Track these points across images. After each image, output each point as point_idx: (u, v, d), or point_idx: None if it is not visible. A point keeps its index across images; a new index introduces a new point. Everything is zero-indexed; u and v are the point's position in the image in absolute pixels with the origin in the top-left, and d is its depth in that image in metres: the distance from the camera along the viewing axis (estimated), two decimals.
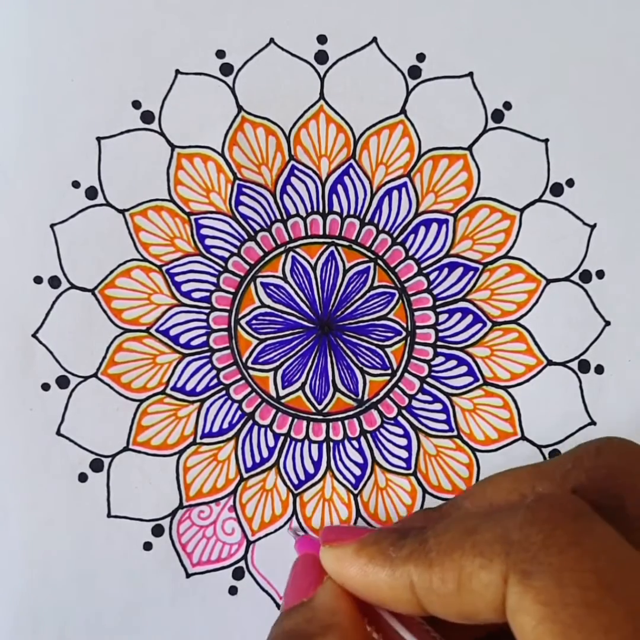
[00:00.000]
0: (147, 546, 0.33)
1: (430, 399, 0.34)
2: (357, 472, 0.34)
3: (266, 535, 0.34)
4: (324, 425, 0.34)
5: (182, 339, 0.34)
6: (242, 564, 0.34)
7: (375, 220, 0.34)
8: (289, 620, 0.25)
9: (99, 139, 0.33)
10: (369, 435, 0.34)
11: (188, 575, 0.33)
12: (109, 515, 0.33)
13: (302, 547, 0.30)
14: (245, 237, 0.34)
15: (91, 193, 0.33)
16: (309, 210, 0.34)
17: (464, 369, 0.34)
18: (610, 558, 0.19)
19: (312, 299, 0.34)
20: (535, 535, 0.20)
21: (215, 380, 0.34)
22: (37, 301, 0.33)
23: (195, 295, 0.34)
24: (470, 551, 0.21)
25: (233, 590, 0.34)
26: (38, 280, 0.33)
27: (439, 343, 0.34)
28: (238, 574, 0.34)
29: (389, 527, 0.25)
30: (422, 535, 0.23)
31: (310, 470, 0.34)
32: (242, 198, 0.34)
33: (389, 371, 0.34)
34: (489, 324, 0.34)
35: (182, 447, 0.34)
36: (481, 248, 0.34)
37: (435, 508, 0.26)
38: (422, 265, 0.34)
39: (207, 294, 0.34)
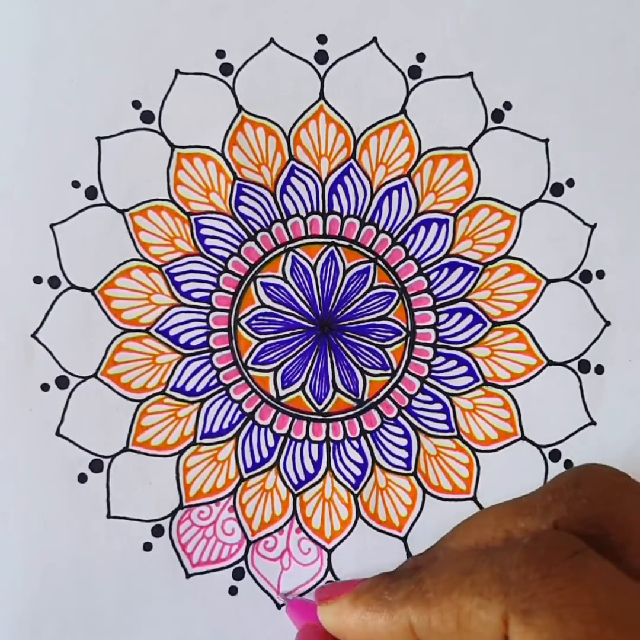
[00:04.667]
0: (147, 546, 0.33)
1: (430, 399, 0.34)
2: (357, 472, 0.34)
3: (266, 535, 0.34)
4: (324, 425, 0.34)
5: (182, 339, 0.34)
6: (242, 564, 0.34)
7: (375, 220, 0.34)
8: None
9: (99, 139, 0.33)
10: (369, 435, 0.34)
11: (188, 576, 0.33)
12: (108, 516, 0.33)
13: (295, 610, 0.30)
14: (245, 237, 0.34)
15: (91, 193, 0.33)
16: (309, 210, 0.34)
17: (464, 369, 0.34)
18: (608, 591, 0.19)
19: (312, 299, 0.34)
20: (533, 573, 0.20)
21: (215, 381, 0.34)
22: (36, 301, 0.33)
23: (195, 295, 0.34)
24: (469, 591, 0.21)
25: (233, 591, 0.33)
26: (38, 280, 0.33)
27: (439, 343, 0.34)
28: (238, 574, 0.34)
29: (380, 574, 0.25)
30: (416, 576, 0.23)
31: (310, 470, 0.34)
32: (242, 198, 0.34)
33: (389, 371, 0.34)
34: (489, 324, 0.34)
35: (182, 448, 0.34)
36: (481, 248, 0.34)
37: (421, 553, 0.26)
38: (422, 265, 0.34)
39: (207, 294, 0.34)
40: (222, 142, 0.34)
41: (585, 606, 0.19)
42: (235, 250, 0.34)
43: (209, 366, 0.34)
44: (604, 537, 0.22)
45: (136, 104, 0.34)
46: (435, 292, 0.34)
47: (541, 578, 0.20)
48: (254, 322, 0.34)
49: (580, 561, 0.20)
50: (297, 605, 0.31)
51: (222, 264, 0.34)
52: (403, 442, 0.34)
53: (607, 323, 0.34)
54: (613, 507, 0.23)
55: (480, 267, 0.34)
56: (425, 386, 0.34)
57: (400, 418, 0.34)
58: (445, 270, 0.34)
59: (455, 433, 0.34)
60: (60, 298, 0.33)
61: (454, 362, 0.34)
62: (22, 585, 0.33)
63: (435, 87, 0.34)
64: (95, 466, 0.33)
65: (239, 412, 0.34)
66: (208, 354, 0.34)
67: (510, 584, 0.20)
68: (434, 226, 0.34)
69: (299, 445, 0.34)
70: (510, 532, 0.23)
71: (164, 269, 0.34)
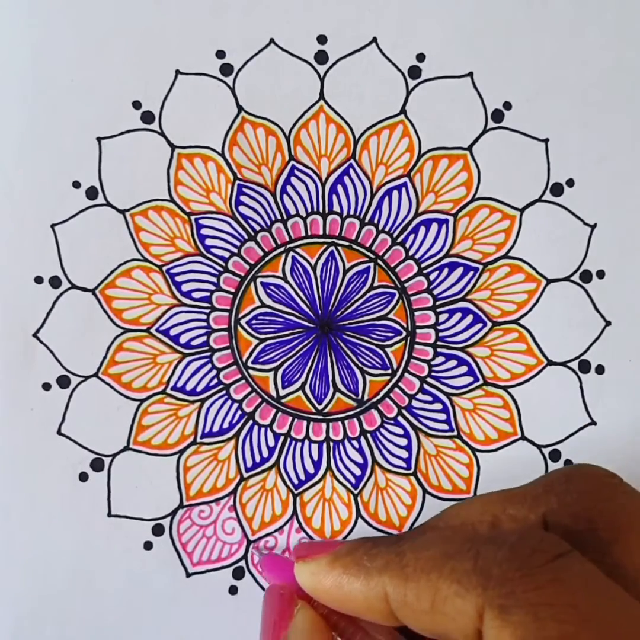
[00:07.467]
0: (148, 546, 0.33)
1: (430, 399, 0.34)
2: (357, 472, 0.34)
3: (266, 535, 0.34)
4: (324, 425, 0.34)
5: (183, 339, 0.34)
6: (242, 563, 0.34)
7: (375, 220, 0.34)
8: None
9: (99, 139, 0.33)
10: (369, 435, 0.34)
11: (188, 575, 0.33)
12: (109, 515, 0.33)
13: (268, 566, 0.30)
14: (245, 237, 0.34)
15: (91, 193, 0.33)
16: (309, 210, 0.34)
17: (464, 369, 0.34)
18: (588, 593, 0.19)
19: (312, 299, 0.34)
20: (514, 572, 0.20)
21: (215, 380, 0.34)
22: (37, 301, 0.33)
23: (196, 295, 0.34)
24: (448, 576, 0.21)
25: (233, 590, 0.34)
26: (39, 280, 0.33)
27: (439, 343, 0.34)
28: (238, 574, 0.34)
29: (362, 538, 0.25)
30: (397, 547, 0.23)
31: (311, 470, 0.34)
32: (242, 198, 0.34)
33: (389, 371, 0.34)
34: (489, 324, 0.34)
35: (183, 447, 0.34)
36: (481, 248, 0.34)
37: (409, 531, 0.26)
38: (422, 265, 0.34)
39: (207, 294, 0.34)
40: (222, 142, 0.34)
41: (562, 606, 0.19)
42: (235, 250, 0.34)
43: (209, 366, 0.34)
44: (592, 532, 0.22)
45: (136, 104, 0.34)
46: (435, 292, 0.34)
47: (521, 577, 0.20)
48: (254, 322, 0.34)
49: (563, 563, 0.20)
50: (272, 560, 0.31)
51: (222, 264, 0.34)
52: (403, 442, 0.34)
53: (607, 323, 0.34)
54: (603, 504, 0.23)
55: (480, 267, 0.34)
56: (425, 386, 0.34)
57: (400, 418, 0.34)
58: (445, 270, 0.34)
59: (455, 433, 0.34)
60: (61, 298, 0.33)
61: (454, 362, 0.34)
62: (23, 585, 0.33)
63: (435, 87, 0.34)
64: (96, 465, 0.33)
65: (239, 412, 0.34)
66: (208, 353, 0.34)
67: (490, 579, 0.20)
68: (434, 226, 0.34)
69: (299, 445, 0.34)
70: (497, 517, 0.24)
71: (164, 269, 0.34)
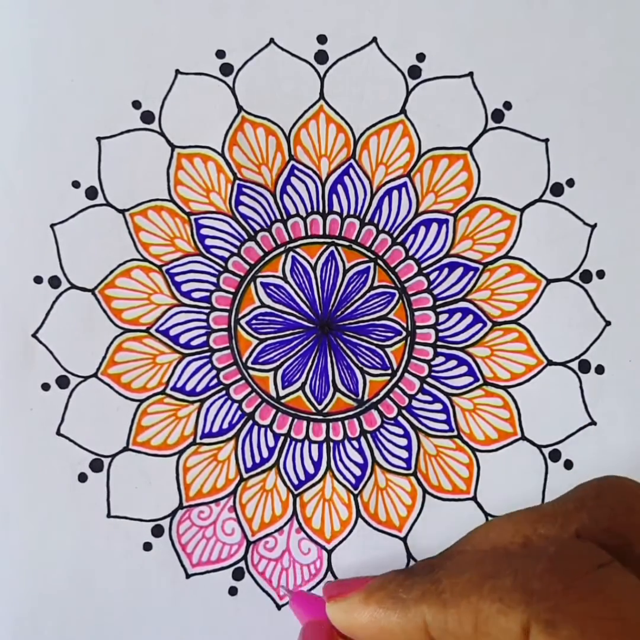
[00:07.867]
0: (147, 546, 0.33)
1: (430, 399, 0.34)
2: (357, 472, 0.34)
3: (266, 535, 0.34)
4: (324, 425, 0.34)
5: (182, 339, 0.34)
6: (242, 564, 0.34)
7: (375, 220, 0.34)
8: None
9: (99, 139, 0.33)
10: (369, 435, 0.34)
11: (188, 576, 0.33)
12: (108, 516, 0.33)
13: (300, 605, 0.30)
14: (245, 237, 0.34)
15: (91, 193, 0.33)
16: (309, 210, 0.34)
17: (464, 369, 0.34)
18: (632, 604, 0.19)
19: (312, 299, 0.34)
20: (557, 584, 0.20)
21: (215, 380, 0.34)
22: (37, 301, 0.33)
23: (195, 295, 0.34)
24: (489, 596, 0.21)
25: (233, 591, 0.34)
26: (38, 280, 0.33)
27: (439, 343, 0.34)
28: (238, 575, 0.34)
29: (393, 571, 0.25)
30: (432, 575, 0.23)
31: (310, 470, 0.34)
32: (242, 198, 0.34)
33: (389, 371, 0.34)
34: (489, 324, 0.34)
35: (182, 447, 0.34)
36: (481, 248, 0.34)
37: (436, 555, 0.26)
38: (422, 265, 0.34)
39: (207, 294, 0.34)
40: (222, 142, 0.34)
41: (609, 620, 0.19)
42: (235, 250, 0.34)
43: (209, 366, 0.34)
44: (627, 547, 0.22)
45: (136, 104, 0.34)
46: (435, 292, 0.34)
47: (564, 589, 0.19)
48: (254, 322, 0.34)
49: (604, 574, 0.20)
50: (302, 599, 0.31)
51: (222, 264, 0.34)
52: (403, 442, 0.34)
53: (607, 323, 0.34)
54: (636, 518, 0.23)
55: (480, 267, 0.34)
56: (425, 386, 0.34)
57: (400, 418, 0.34)
58: (445, 270, 0.34)
59: (455, 433, 0.34)
60: (60, 298, 0.33)
61: (454, 362, 0.34)
62: (22, 585, 0.33)
63: (435, 87, 0.34)
64: (96, 466, 0.33)
65: (239, 412, 0.34)
66: (208, 353, 0.34)
67: (533, 594, 0.20)
68: (434, 226, 0.34)
69: (299, 445, 0.34)
70: (528, 538, 0.23)
71: (164, 269, 0.34)
